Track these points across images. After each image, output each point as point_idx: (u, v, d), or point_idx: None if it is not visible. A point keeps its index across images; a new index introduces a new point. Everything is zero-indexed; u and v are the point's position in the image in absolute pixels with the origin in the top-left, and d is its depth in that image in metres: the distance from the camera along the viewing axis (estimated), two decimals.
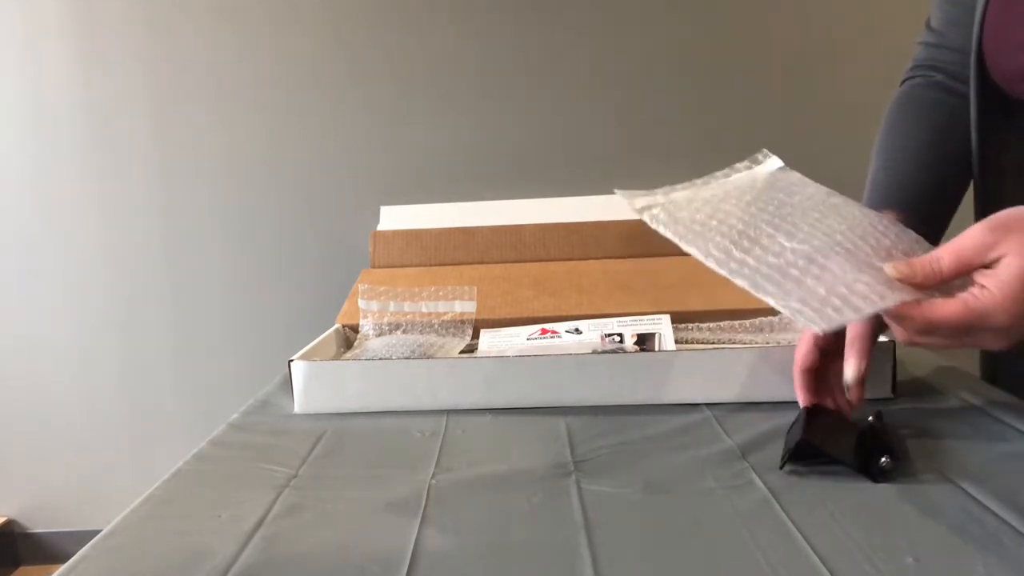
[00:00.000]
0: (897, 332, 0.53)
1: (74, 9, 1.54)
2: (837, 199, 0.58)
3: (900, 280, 0.49)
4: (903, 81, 0.85)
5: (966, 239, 0.49)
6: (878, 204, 0.73)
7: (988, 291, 0.47)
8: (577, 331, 0.92)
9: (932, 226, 0.74)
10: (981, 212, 0.75)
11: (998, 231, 0.48)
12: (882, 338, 0.76)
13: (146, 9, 1.54)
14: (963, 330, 0.49)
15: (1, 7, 1.54)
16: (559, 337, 0.91)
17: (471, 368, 0.77)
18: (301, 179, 1.59)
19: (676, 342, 0.89)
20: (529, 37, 1.52)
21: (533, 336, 0.92)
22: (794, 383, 0.67)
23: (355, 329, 0.98)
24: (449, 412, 0.75)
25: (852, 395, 0.62)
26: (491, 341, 0.93)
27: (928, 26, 0.84)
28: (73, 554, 0.50)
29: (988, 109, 0.72)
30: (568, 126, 1.55)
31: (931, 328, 0.49)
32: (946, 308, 0.48)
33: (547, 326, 0.93)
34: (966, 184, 0.79)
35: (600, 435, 0.67)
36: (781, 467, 0.58)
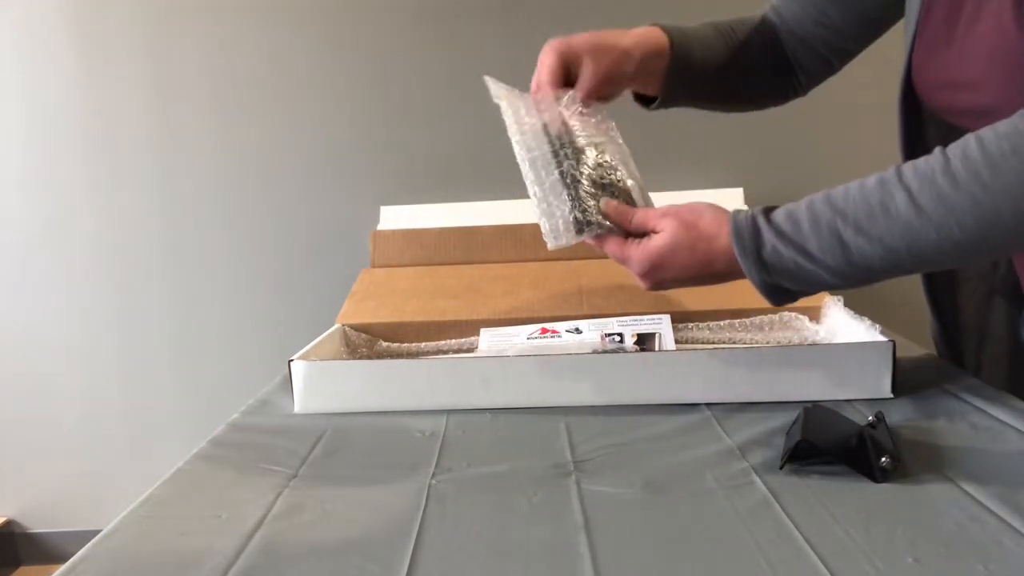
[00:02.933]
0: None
1: (74, 10, 1.54)
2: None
3: (605, 210, 0.70)
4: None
5: (651, 212, 0.69)
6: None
7: (638, 244, 0.68)
8: (577, 331, 0.92)
9: (674, 71, 0.84)
10: None
11: (667, 215, 0.67)
12: (881, 338, 0.76)
13: (146, 10, 1.54)
14: (622, 260, 0.70)
15: (1, 7, 1.54)
16: (559, 337, 0.91)
17: (471, 368, 0.77)
18: (301, 179, 1.59)
19: (676, 342, 0.89)
20: (530, 37, 1.52)
21: (533, 336, 0.92)
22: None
23: (356, 329, 0.98)
24: (449, 412, 0.75)
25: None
26: (491, 341, 0.93)
27: None
28: (73, 554, 0.50)
29: (913, 125, 0.77)
30: None
31: (618, 256, 0.70)
32: (611, 244, 0.70)
33: (547, 326, 0.93)
34: (717, 94, 0.90)
35: (600, 435, 0.67)
36: (781, 467, 0.58)
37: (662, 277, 0.68)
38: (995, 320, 0.81)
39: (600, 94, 0.78)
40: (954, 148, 0.56)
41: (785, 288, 0.64)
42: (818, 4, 0.82)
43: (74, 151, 1.59)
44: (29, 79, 1.57)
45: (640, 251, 0.68)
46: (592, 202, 0.70)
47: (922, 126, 0.76)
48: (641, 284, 0.70)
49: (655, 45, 0.82)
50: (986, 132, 0.54)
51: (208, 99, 1.57)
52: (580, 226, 0.69)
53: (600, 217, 0.69)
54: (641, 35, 0.82)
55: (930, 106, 0.73)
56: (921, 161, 0.57)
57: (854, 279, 0.61)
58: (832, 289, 0.63)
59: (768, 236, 0.62)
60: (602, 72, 0.77)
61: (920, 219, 0.55)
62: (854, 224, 0.58)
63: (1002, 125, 0.54)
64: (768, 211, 0.63)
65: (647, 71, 0.82)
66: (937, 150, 0.57)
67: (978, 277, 0.82)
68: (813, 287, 0.63)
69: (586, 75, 0.77)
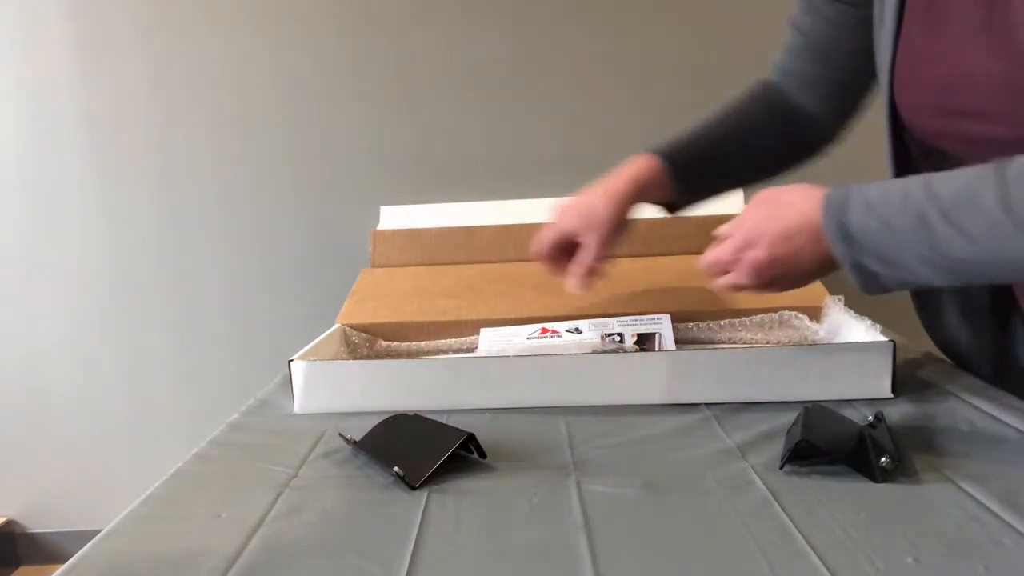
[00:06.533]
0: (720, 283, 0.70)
1: (74, 10, 1.54)
2: None
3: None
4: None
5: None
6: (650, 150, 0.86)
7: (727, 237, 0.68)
8: (577, 331, 0.92)
9: (682, 183, 0.84)
10: None
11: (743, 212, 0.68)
12: (881, 338, 0.76)
13: (145, 10, 1.54)
14: (725, 262, 0.68)
15: (0, 7, 1.54)
16: (559, 337, 0.91)
17: (471, 368, 0.77)
18: (301, 179, 1.59)
19: (676, 342, 0.89)
20: (530, 37, 1.52)
21: (533, 336, 0.92)
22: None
23: (356, 329, 0.98)
24: (449, 412, 0.75)
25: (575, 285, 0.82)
26: (491, 340, 0.93)
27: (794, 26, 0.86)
28: (73, 554, 0.50)
29: (902, 151, 0.74)
30: (568, 126, 1.55)
31: (710, 264, 0.69)
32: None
33: (547, 326, 0.93)
34: (737, 177, 0.91)
35: (600, 435, 0.67)
36: (781, 467, 0.58)
37: (754, 257, 0.64)
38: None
39: (610, 251, 0.83)
40: None
41: (873, 271, 0.59)
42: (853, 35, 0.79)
43: (73, 152, 1.59)
44: (28, 78, 1.57)
45: (723, 244, 0.68)
46: None
47: (911, 149, 0.74)
48: (742, 281, 0.67)
49: (647, 179, 0.84)
50: None
51: (208, 99, 1.57)
52: None
53: None
54: (630, 178, 0.84)
55: (920, 131, 0.71)
56: None
57: (948, 272, 0.56)
58: (926, 283, 0.58)
59: (856, 203, 0.59)
60: (598, 246, 0.82)
61: (1008, 218, 0.51)
62: (941, 210, 0.54)
63: None
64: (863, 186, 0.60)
65: (652, 198, 0.86)
66: None
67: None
68: (902, 273, 0.58)
69: (585, 254, 0.83)
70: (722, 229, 0.70)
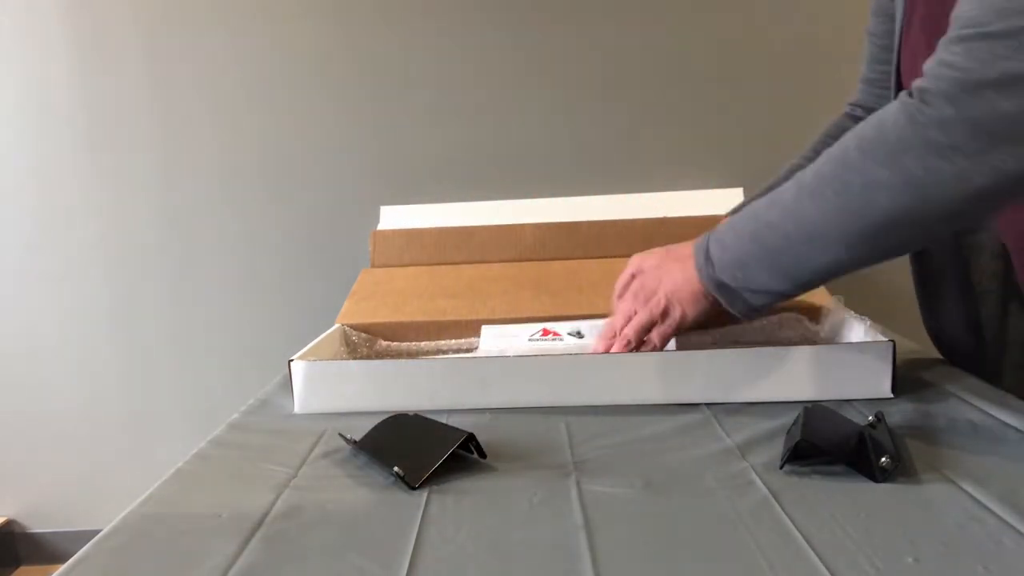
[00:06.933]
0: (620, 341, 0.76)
1: (74, 8, 1.54)
2: None
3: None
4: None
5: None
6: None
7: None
8: (579, 334, 0.92)
9: None
10: None
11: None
12: (881, 338, 0.76)
13: (146, 8, 1.54)
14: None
15: (1, 6, 1.54)
16: (560, 339, 0.91)
17: (471, 368, 0.77)
18: (301, 179, 1.59)
19: (676, 342, 0.89)
20: (530, 37, 1.52)
21: (535, 337, 0.92)
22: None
23: (356, 329, 0.98)
24: (449, 412, 0.75)
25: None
26: (492, 338, 0.93)
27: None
28: (73, 554, 0.50)
29: None
30: (568, 126, 1.55)
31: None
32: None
33: (548, 327, 0.93)
34: None
35: (600, 435, 0.67)
36: (781, 467, 0.58)
37: (622, 277, 0.75)
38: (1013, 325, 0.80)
39: None
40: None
41: (731, 286, 0.67)
42: None
43: (74, 151, 1.59)
44: (27, 77, 1.57)
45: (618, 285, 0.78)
46: None
47: None
48: (623, 305, 0.76)
49: None
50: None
51: (208, 98, 1.57)
52: None
53: None
54: None
55: None
56: None
57: (779, 268, 0.64)
58: (770, 287, 0.65)
59: (719, 230, 0.68)
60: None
61: (800, 190, 0.61)
62: (765, 203, 0.64)
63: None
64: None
65: None
66: None
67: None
68: (750, 282, 0.66)
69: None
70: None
